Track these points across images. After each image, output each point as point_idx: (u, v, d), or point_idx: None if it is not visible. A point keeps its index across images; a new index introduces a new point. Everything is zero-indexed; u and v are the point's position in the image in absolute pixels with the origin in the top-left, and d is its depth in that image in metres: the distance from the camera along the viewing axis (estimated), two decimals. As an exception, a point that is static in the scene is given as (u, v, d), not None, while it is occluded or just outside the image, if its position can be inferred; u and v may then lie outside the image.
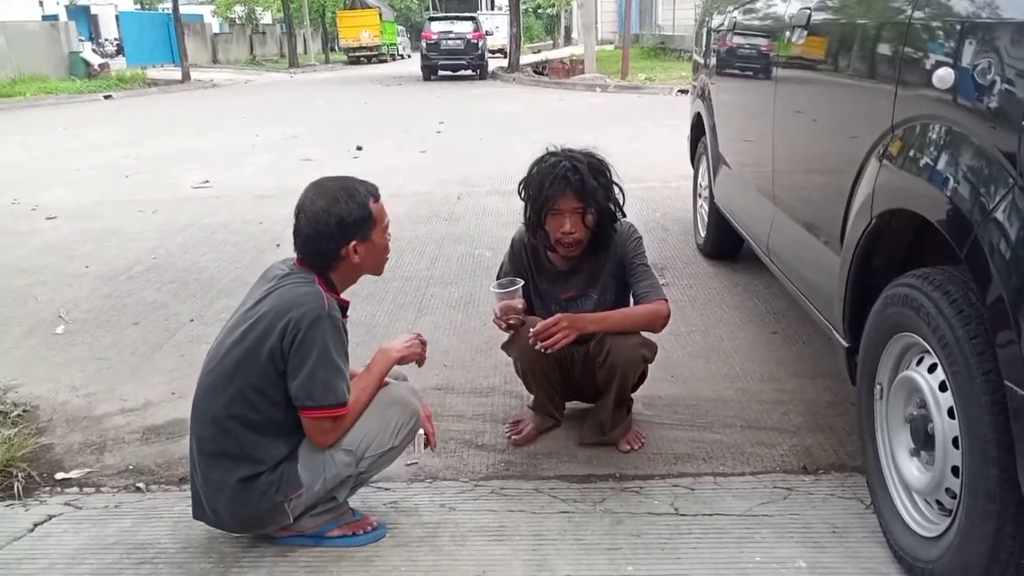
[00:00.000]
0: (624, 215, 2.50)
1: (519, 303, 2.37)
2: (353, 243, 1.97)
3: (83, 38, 26.73)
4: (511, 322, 2.37)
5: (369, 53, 34.03)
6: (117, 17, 33.71)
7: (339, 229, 1.95)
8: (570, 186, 2.33)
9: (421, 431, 2.13)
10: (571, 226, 2.37)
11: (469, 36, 21.71)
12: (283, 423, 1.95)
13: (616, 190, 2.44)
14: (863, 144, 2.03)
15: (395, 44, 38.48)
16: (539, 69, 20.86)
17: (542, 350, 2.29)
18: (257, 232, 5.42)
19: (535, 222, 2.44)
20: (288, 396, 1.91)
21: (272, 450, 1.95)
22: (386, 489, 2.33)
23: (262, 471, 1.94)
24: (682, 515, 2.17)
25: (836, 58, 2.39)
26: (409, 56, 39.20)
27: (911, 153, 1.81)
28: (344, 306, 2.04)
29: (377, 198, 2.03)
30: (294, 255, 2.05)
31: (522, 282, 2.38)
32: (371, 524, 2.11)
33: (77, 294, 4.22)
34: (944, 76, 1.65)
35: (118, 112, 14.74)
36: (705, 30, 4.47)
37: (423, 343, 2.19)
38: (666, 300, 2.43)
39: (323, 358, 1.89)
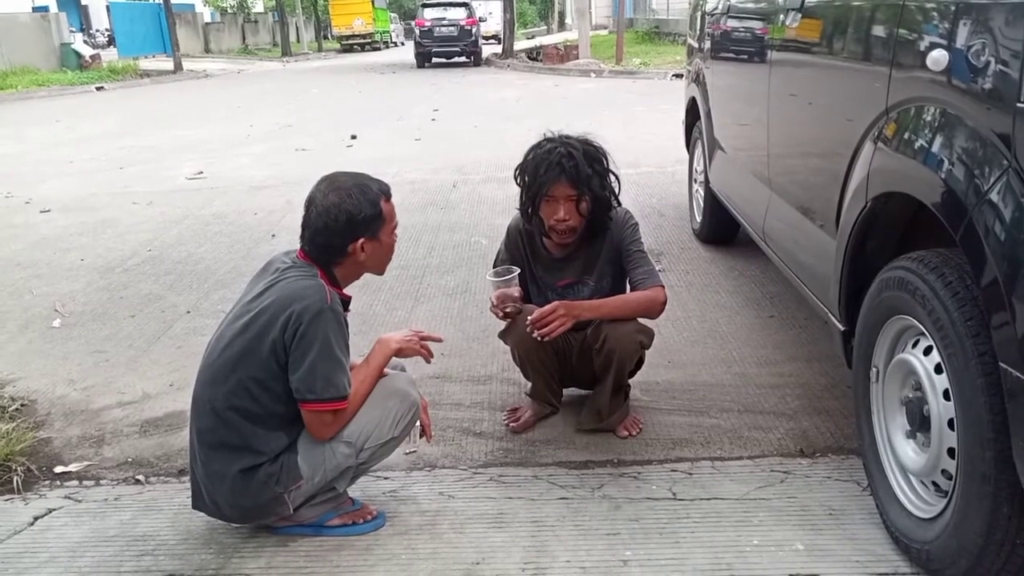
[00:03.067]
0: (619, 203, 2.49)
1: (516, 291, 2.36)
2: (361, 240, 1.97)
3: (74, 29, 26.50)
4: (508, 310, 2.37)
5: (362, 41, 33.87)
6: (108, 7, 33.46)
7: (349, 225, 1.94)
8: (564, 172, 2.32)
9: (417, 422, 2.14)
10: (565, 213, 2.36)
11: (462, 22, 21.62)
12: (284, 415, 1.95)
13: (612, 178, 2.43)
14: (858, 127, 2.02)
15: (388, 31, 38.32)
16: (533, 55, 20.78)
17: (539, 338, 2.30)
18: (252, 223, 5.40)
19: (529, 208, 2.43)
20: (289, 388, 1.91)
21: (272, 442, 1.96)
22: (385, 478, 2.34)
23: (262, 462, 1.94)
24: (680, 500, 2.18)
25: (831, 40, 2.38)
26: (402, 43, 39.05)
27: (906, 136, 1.81)
28: (346, 301, 2.03)
29: (388, 197, 2.03)
30: (295, 247, 2.05)
31: (518, 270, 2.38)
32: (370, 513, 2.12)
33: (73, 287, 4.22)
34: (938, 58, 1.65)
35: (111, 104, 14.66)
36: (699, 14, 4.45)
37: (421, 339, 2.16)
38: (663, 286, 2.43)
39: (324, 352, 1.89)
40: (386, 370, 2.10)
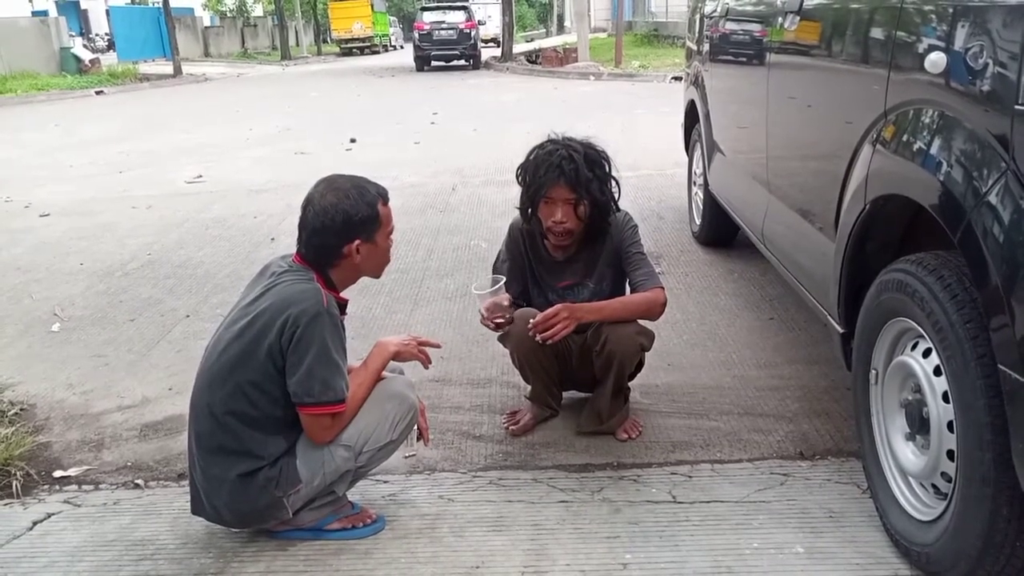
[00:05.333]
0: (618, 209, 2.49)
1: (505, 299, 2.35)
2: (357, 242, 1.97)
3: (73, 33, 26.52)
4: (499, 321, 2.36)
5: (361, 44, 33.87)
6: (107, 11, 33.52)
7: (345, 226, 1.95)
8: (563, 175, 2.32)
9: (416, 425, 2.13)
10: (562, 215, 2.36)
11: (462, 26, 21.64)
12: (282, 419, 1.95)
13: (612, 183, 2.42)
14: (857, 129, 2.03)
15: (387, 35, 38.34)
16: (532, 58, 20.79)
17: (542, 341, 2.29)
18: (252, 226, 5.41)
19: (528, 208, 2.44)
20: (286, 392, 1.91)
21: (271, 446, 1.96)
22: (385, 482, 2.33)
23: (261, 467, 1.94)
24: (680, 503, 2.18)
25: (829, 43, 2.38)
26: (402, 47, 39.08)
27: (904, 138, 1.81)
28: (343, 304, 2.03)
29: (386, 200, 2.03)
30: (292, 251, 2.05)
31: (504, 278, 2.37)
32: (370, 517, 2.12)
33: (72, 291, 4.21)
34: (936, 60, 1.65)
35: (110, 108, 14.66)
36: (698, 16, 4.45)
37: (419, 344, 2.16)
38: (662, 288, 2.43)
39: (322, 355, 1.89)
40: (384, 373, 2.10)
